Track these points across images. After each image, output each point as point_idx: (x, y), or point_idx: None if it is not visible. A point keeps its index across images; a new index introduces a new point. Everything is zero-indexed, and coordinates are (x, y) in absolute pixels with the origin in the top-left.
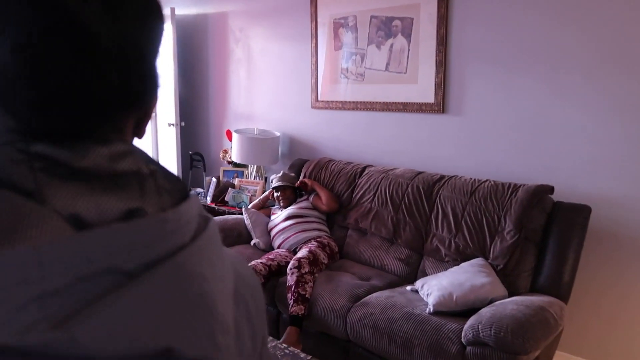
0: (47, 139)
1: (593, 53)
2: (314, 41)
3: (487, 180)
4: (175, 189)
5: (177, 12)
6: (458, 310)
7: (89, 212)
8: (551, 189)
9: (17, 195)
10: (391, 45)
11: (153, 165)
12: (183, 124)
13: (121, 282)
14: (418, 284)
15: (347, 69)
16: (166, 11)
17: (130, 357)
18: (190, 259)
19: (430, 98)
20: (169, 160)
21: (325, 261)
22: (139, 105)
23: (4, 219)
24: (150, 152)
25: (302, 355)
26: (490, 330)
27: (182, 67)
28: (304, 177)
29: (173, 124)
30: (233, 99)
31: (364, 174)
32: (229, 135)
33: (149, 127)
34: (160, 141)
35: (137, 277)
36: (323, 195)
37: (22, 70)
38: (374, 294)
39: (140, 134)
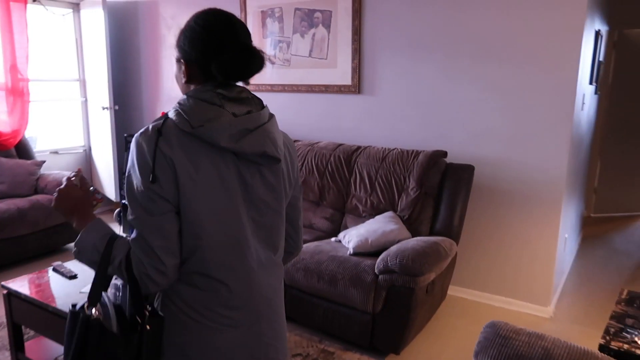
0: (222, 87)
1: (475, 45)
2: None
3: (395, 149)
4: (261, 104)
5: None
6: (373, 251)
7: (238, 111)
8: (445, 153)
9: (215, 106)
10: (313, 35)
11: (253, 94)
12: (117, 107)
13: (250, 131)
14: (341, 235)
15: (274, 55)
16: None
17: (255, 154)
18: (268, 126)
19: (348, 81)
20: (104, 142)
21: None
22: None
23: (212, 114)
24: (81, 134)
25: None
26: (396, 260)
27: (115, 53)
28: None
29: (107, 108)
30: (166, 82)
31: None
32: None
33: (80, 110)
34: (94, 124)
35: (255, 130)
36: None
37: (238, 68)
38: (305, 245)
39: (249, 83)
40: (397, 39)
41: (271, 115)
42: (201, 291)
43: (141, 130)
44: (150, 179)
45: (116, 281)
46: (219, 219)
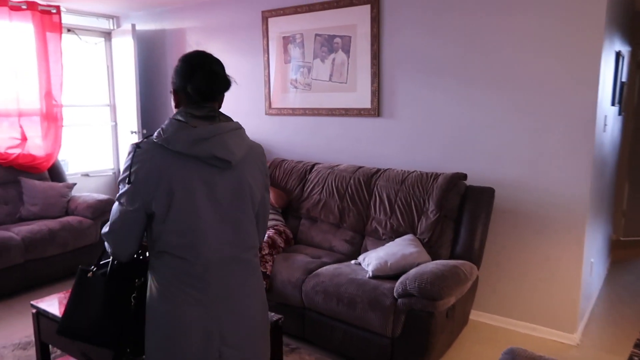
0: (193, 108)
1: (493, 68)
2: (266, 55)
3: (414, 171)
4: (228, 120)
5: (138, 27)
6: (392, 274)
7: (200, 125)
8: (464, 176)
9: (182, 122)
10: (333, 59)
11: (221, 113)
12: (145, 131)
13: (204, 139)
14: (360, 258)
15: (296, 80)
16: (127, 27)
17: (207, 157)
18: (225, 136)
19: (367, 104)
20: None
21: (282, 245)
22: (221, 95)
23: (177, 128)
24: (111, 158)
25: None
26: (415, 283)
27: (143, 79)
28: None
29: (135, 132)
30: None
31: (313, 170)
32: None
33: (110, 134)
34: (123, 147)
35: (209, 138)
36: (270, 194)
37: (204, 87)
38: (324, 268)
39: (220, 107)
40: (415, 63)
41: (237, 129)
42: (168, 267)
43: (131, 144)
44: (127, 180)
45: None
46: (178, 209)
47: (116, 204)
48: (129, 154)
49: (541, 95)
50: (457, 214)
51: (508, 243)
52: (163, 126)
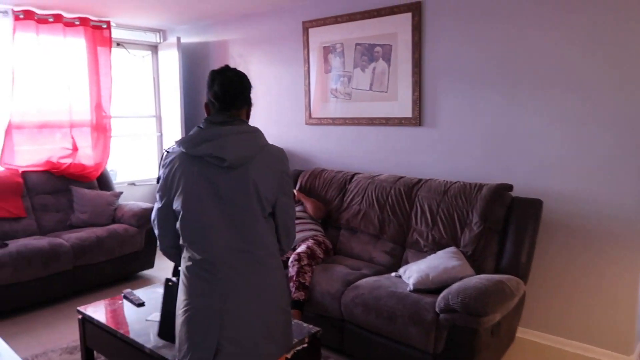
0: (213, 115)
1: (538, 74)
2: (307, 65)
3: (457, 182)
4: (243, 124)
5: (183, 40)
6: (433, 287)
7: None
8: (510, 187)
9: (198, 128)
10: (374, 68)
11: (240, 120)
12: None
13: (207, 140)
14: (401, 270)
15: (336, 89)
16: (172, 40)
17: (208, 156)
18: (231, 138)
19: (408, 113)
20: None
21: (322, 256)
22: (244, 106)
23: (190, 134)
24: (156, 167)
25: (305, 325)
26: (458, 298)
27: (187, 90)
28: (299, 187)
29: None
30: None
31: (353, 180)
32: None
33: (156, 144)
34: None
35: (212, 140)
36: (309, 205)
37: (220, 92)
38: (364, 280)
39: (248, 119)
40: (457, 70)
41: (245, 132)
42: (186, 260)
43: None
44: (157, 180)
45: None
46: (188, 205)
47: (156, 202)
48: (160, 158)
49: (590, 102)
50: (503, 226)
51: (557, 257)
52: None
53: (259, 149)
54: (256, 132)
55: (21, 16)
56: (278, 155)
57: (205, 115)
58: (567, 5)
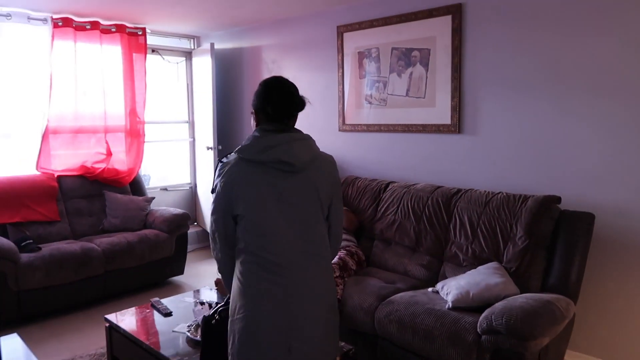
0: (268, 124)
1: (590, 79)
2: (341, 70)
3: (499, 193)
4: (298, 132)
5: (216, 46)
6: (474, 305)
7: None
8: (558, 199)
9: (257, 137)
10: (411, 73)
11: (294, 129)
12: (220, 147)
13: (271, 147)
14: (439, 285)
15: (371, 95)
16: (206, 46)
17: (273, 161)
18: (292, 144)
19: (447, 120)
20: (207, 179)
21: (354, 267)
22: (296, 114)
23: (251, 141)
24: (188, 173)
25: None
26: (502, 319)
27: (220, 96)
28: None
29: (211, 147)
30: None
31: (388, 189)
32: None
33: (188, 150)
34: (200, 163)
35: (275, 146)
36: None
37: (282, 105)
38: (399, 294)
39: (294, 125)
40: (500, 75)
41: (304, 139)
42: (247, 264)
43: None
44: (213, 190)
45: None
46: (255, 212)
47: (211, 214)
48: (216, 169)
49: None
50: (550, 241)
51: (609, 276)
52: (243, 142)
53: (316, 154)
54: (310, 139)
55: (60, 24)
56: (331, 161)
57: (253, 122)
58: (624, 7)
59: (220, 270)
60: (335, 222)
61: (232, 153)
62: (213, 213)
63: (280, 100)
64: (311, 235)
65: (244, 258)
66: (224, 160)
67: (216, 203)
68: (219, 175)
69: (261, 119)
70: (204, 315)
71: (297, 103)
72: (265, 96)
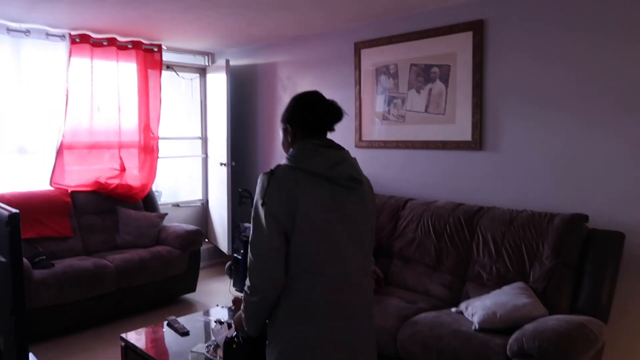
0: (315, 139)
1: (619, 94)
2: (358, 87)
3: (524, 211)
4: (342, 148)
5: (231, 63)
6: (502, 327)
7: (328, 152)
8: (586, 217)
9: (312, 150)
10: (430, 90)
11: (335, 142)
12: (234, 163)
13: (339, 163)
14: (462, 305)
15: (388, 112)
16: (221, 63)
17: (344, 178)
18: (351, 160)
19: (467, 136)
20: (220, 196)
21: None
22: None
23: (311, 154)
24: (201, 188)
25: None
26: (534, 342)
27: (234, 112)
28: None
29: (224, 164)
30: (281, 140)
31: (407, 206)
32: None
33: (200, 166)
34: (212, 179)
35: (342, 162)
36: None
37: (326, 117)
38: (422, 315)
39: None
40: (523, 92)
41: (351, 156)
42: (307, 284)
43: (262, 172)
44: (263, 203)
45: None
46: (314, 227)
47: (254, 230)
48: (265, 180)
49: None
50: (578, 261)
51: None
52: (290, 155)
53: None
54: (353, 157)
55: (77, 40)
56: (368, 179)
57: (287, 138)
58: None
59: (259, 300)
60: (371, 239)
61: (285, 164)
62: (262, 231)
63: (323, 110)
64: (368, 253)
65: (303, 278)
66: (275, 173)
67: (269, 218)
68: (269, 186)
69: (298, 134)
70: (226, 337)
71: (339, 112)
72: (307, 107)
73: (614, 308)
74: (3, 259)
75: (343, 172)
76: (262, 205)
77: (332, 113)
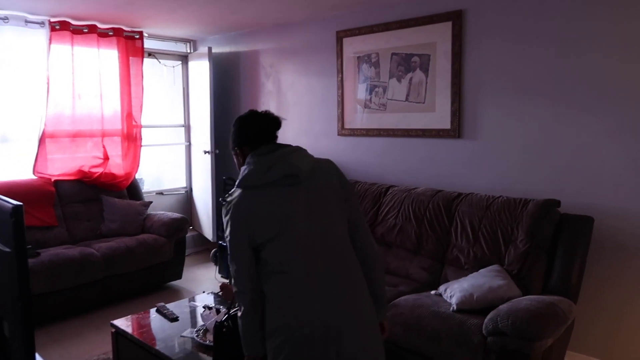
0: (256, 149)
1: (591, 84)
2: (340, 75)
3: (500, 196)
4: (287, 146)
5: (213, 50)
6: (478, 308)
7: (265, 160)
8: (558, 203)
9: (251, 165)
10: (410, 79)
11: (279, 144)
12: (217, 151)
13: (270, 167)
14: (441, 288)
15: (370, 100)
16: (203, 50)
17: (279, 179)
18: (288, 157)
19: (447, 124)
20: (204, 184)
21: None
22: (276, 134)
23: (249, 168)
24: (184, 176)
25: None
26: (508, 321)
27: (217, 100)
28: None
29: (208, 152)
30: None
31: (388, 193)
32: None
33: (184, 153)
34: (196, 167)
35: (274, 165)
36: None
37: (264, 126)
38: (402, 297)
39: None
40: (501, 81)
41: (297, 150)
42: (276, 285)
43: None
44: (226, 229)
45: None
46: (271, 232)
47: (229, 254)
48: (224, 212)
49: None
50: (551, 244)
51: (607, 278)
52: (240, 176)
53: (314, 160)
54: (302, 148)
55: (57, 27)
56: (330, 162)
57: (238, 161)
58: (628, 10)
59: (246, 311)
60: (359, 217)
61: (233, 189)
62: (232, 251)
63: (259, 122)
64: (335, 239)
65: (272, 280)
66: (227, 199)
67: (233, 242)
68: (226, 214)
69: (246, 151)
70: (216, 322)
71: (275, 120)
72: (244, 125)
73: (583, 288)
74: (7, 249)
75: (276, 173)
76: (228, 235)
77: (268, 122)
